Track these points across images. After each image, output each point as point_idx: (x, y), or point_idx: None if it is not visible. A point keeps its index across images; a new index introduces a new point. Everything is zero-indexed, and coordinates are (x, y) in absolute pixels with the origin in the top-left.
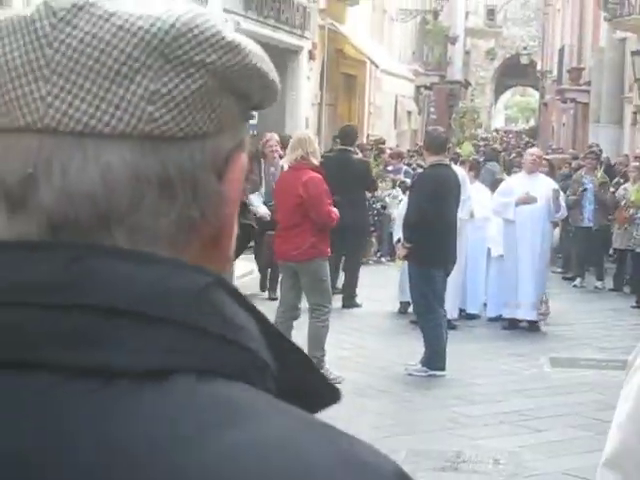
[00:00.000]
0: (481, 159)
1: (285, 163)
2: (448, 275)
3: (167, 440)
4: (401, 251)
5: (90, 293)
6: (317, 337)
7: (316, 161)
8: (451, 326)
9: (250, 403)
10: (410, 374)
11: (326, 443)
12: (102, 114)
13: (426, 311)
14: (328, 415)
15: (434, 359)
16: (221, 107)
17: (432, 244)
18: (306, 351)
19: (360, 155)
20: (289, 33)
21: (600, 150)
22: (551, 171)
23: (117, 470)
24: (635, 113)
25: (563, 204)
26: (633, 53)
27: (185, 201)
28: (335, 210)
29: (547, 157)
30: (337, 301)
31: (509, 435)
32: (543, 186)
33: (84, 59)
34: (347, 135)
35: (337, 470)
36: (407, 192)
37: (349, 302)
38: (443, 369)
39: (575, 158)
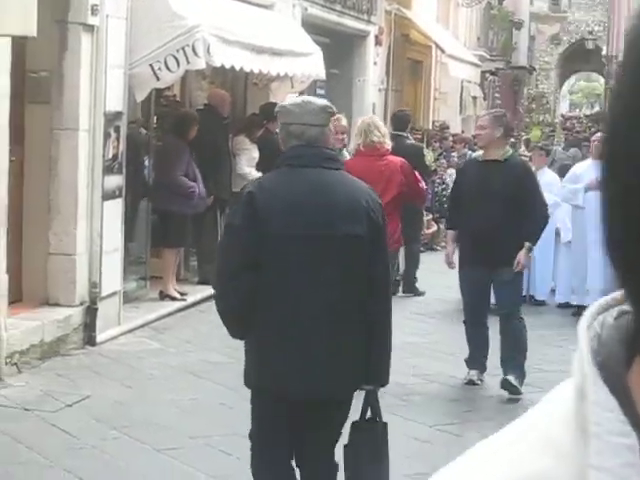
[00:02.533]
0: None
1: (355, 147)
2: None
3: (348, 183)
4: (526, 259)
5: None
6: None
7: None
8: None
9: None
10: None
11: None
12: None
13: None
14: (397, 402)
15: (523, 367)
16: None
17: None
18: None
19: (413, 141)
20: (355, 18)
21: None
22: None
23: (341, 191)
24: None
25: None
26: None
27: None
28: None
29: None
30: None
31: None
32: None
33: None
34: (400, 120)
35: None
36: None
37: (410, 288)
38: None
39: None
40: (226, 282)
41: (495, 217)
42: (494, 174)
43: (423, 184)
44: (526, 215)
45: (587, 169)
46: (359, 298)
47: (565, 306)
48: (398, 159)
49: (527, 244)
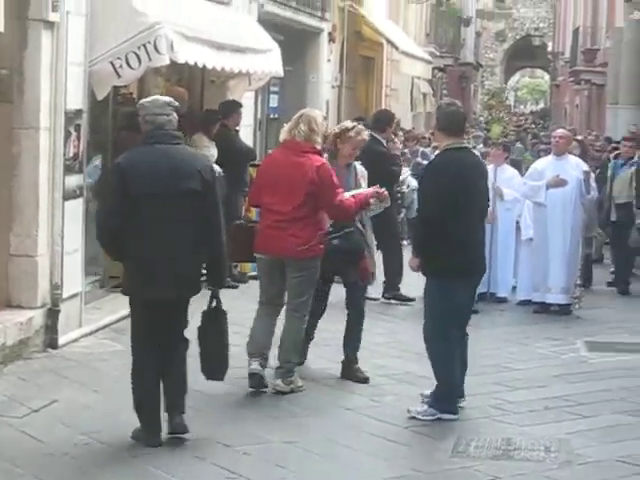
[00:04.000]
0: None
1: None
2: (475, 287)
3: (187, 154)
4: (412, 262)
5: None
6: (298, 340)
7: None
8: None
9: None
10: (413, 417)
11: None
12: None
13: (439, 336)
14: (368, 402)
15: (444, 399)
16: None
17: (451, 249)
18: (279, 356)
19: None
20: (310, 15)
21: None
22: (584, 152)
23: (183, 159)
24: None
25: (594, 185)
26: None
27: None
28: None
29: (578, 138)
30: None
31: (556, 422)
32: (573, 168)
33: None
34: (376, 121)
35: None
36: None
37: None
38: (455, 412)
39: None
40: (101, 224)
41: None
42: None
43: (343, 199)
44: None
45: (548, 165)
46: (199, 231)
47: (526, 303)
48: (319, 159)
49: None
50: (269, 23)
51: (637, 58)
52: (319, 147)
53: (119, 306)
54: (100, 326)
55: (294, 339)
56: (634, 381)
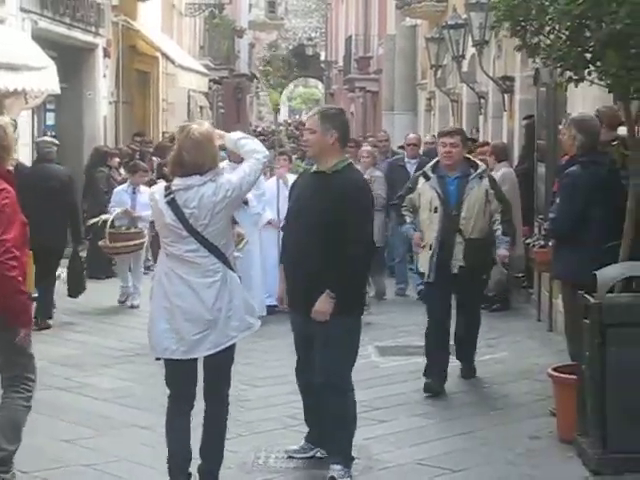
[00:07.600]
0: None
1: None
2: None
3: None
4: (325, 305)
5: None
6: (16, 422)
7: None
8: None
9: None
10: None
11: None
12: None
13: (344, 382)
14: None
15: (349, 451)
16: None
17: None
18: None
19: None
20: (84, 31)
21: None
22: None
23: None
24: (429, 99)
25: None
26: (428, 40)
27: None
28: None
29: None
30: None
31: None
32: None
33: None
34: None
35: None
36: None
37: None
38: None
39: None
40: None
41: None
42: (317, 190)
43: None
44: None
45: None
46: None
47: None
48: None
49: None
50: (43, 40)
51: (410, 64)
52: (7, 165)
53: None
54: None
55: (13, 420)
56: None
